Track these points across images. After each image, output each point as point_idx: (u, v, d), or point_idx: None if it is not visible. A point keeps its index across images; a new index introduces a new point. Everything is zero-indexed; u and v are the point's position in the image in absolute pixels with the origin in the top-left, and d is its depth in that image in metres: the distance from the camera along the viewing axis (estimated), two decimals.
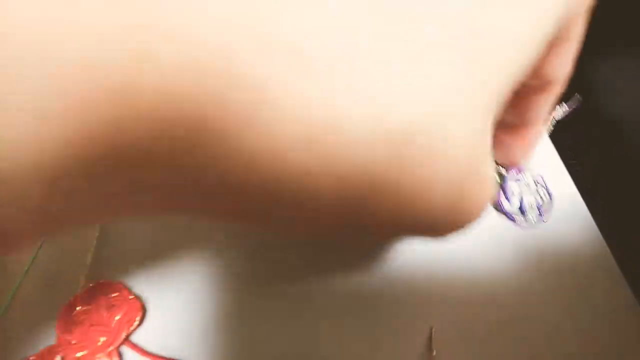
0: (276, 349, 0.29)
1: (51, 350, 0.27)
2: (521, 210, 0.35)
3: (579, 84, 0.44)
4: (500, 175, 0.37)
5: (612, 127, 0.41)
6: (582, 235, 0.36)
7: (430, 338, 0.30)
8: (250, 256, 0.32)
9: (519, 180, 0.36)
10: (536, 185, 0.36)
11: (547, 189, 0.36)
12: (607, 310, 0.32)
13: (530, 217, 0.35)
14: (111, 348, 0.27)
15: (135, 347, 0.28)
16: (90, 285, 0.29)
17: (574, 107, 0.40)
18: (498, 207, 0.36)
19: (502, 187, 0.36)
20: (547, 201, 0.36)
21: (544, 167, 0.38)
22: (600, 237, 0.35)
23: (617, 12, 0.38)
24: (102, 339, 0.27)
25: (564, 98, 0.40)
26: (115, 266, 0.31)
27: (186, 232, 0.33)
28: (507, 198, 0.35)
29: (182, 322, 0.29)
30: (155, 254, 0.32)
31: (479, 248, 0.34)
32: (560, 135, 0.40)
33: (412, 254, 0.33)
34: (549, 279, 0.33)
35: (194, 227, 0.33)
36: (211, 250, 0.32)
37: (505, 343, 0.31)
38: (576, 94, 0.40)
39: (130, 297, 0.29)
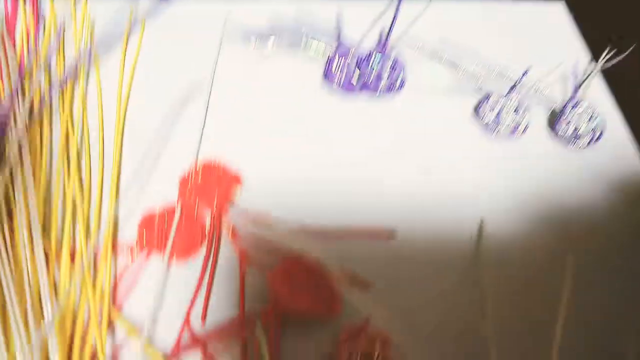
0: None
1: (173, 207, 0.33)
2: (575, 135, 0.39)
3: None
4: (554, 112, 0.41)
5: None
6: (624, 163, 0.39)
7: (479, 231, 0.35)
8: None
9: (575, 108, 0.39)
10: (591, 115, 0.39)
11: (600, 119, 0.39)
12: None
13: (583, 142, 0.39)
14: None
15: (239, 210, 0.33)
16: (201, 163, 0.35)
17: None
18: (554, 131, 0.40)
19: (561, 112, 0.39)
20: (599, 129, 0.39)
21: (598, 97, 0.42)
22: None
23: None
24: (215, 193, 0.33)
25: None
26: (218, 152, 0.36)
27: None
28: (565, 123, 0.39)
29: (274, 190, 0.35)
30: (250, 138, 0.38)
31: (512, 160, 0.39)
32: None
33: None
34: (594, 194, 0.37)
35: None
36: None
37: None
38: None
39: (232, 172, 0.34)
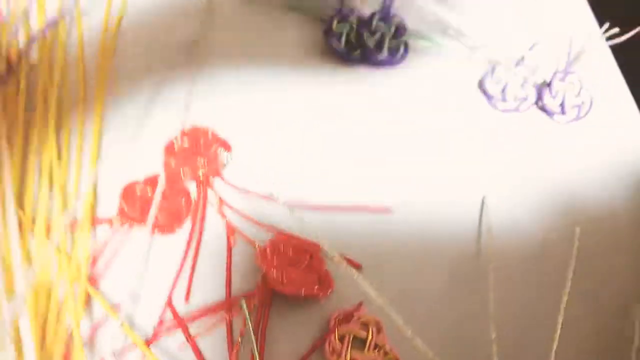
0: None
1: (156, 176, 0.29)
2: (561, 108, 0.36)
3: None
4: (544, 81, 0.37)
5: None
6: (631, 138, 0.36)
7: (481, 208, 0.32)
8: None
9: (564, 80, 0.36)
10: (580, 88, 0.36)
11: (589, 93, 0.36)
12: None
13: (569, 116, 0.36)
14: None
15: (227, 182, 0.30)
16: (187, 129, 0.31)
17: None
18: (540, 103, 0.36)
19: (548, 84, 0.36)
20: (587, 104, 0.36)
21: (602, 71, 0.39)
22: None
23: None
24: (202, 160, 0.30)
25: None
26: (205, 115, 0.33)
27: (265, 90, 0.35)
28: (551, 95, 0.36)
29: (266, 167, 0.31)
30: (239, 106, 0.34)
31: (516, 134, 0.36)
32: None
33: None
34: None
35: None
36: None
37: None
38: None
39: (221, 139, 0.31)
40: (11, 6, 0.36)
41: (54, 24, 0.35)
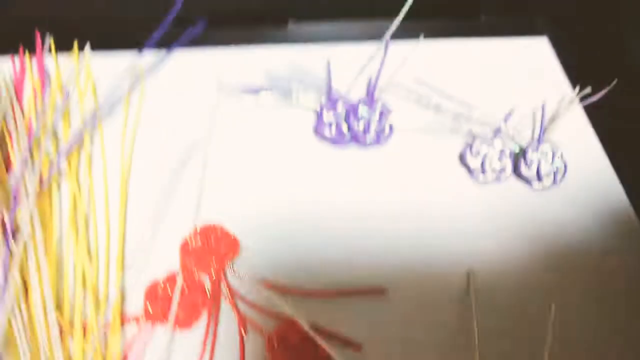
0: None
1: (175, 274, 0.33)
2: (537, 175, 0.39)
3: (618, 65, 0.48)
4: (521, 149, 0.40)
5: None
6: (611, 199, 0.39)
7: (467, 282, 0.35)
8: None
9: (538, 150, 0.39)
10: (553, 155, 0.39)
11: (563, 160, 0.39)
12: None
13: (545, 182, 0.39)
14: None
15: (238, 274, 0.34)
16: (200, 228, 0.35)
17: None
18: (517, 172, 0.39)
19: (523, 153, 0.39)
20: (562, 170, 0.39)
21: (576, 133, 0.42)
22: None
23: None
24: (213, 257, 0.33)
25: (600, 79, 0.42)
26: (215, 214, 0.37)
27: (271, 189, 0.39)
28: (526, 164, 0.39)
29: (271, 256, 0.35)
30: (245, 198, 0.38)
31: (498, 204, 0.39)
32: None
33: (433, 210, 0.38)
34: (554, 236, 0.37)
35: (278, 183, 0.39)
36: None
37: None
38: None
39: (230, 235, 0.35)
40: (40, 121, 0.40)
41: (79, 136, 0.39)
